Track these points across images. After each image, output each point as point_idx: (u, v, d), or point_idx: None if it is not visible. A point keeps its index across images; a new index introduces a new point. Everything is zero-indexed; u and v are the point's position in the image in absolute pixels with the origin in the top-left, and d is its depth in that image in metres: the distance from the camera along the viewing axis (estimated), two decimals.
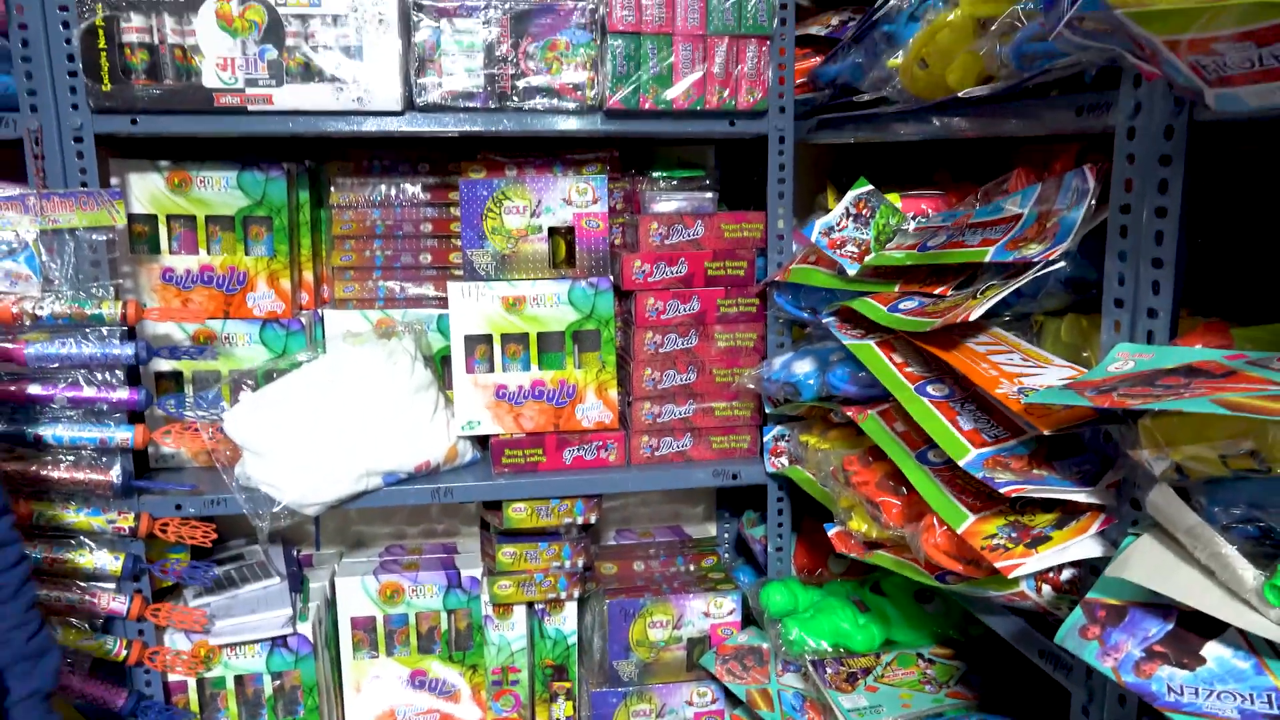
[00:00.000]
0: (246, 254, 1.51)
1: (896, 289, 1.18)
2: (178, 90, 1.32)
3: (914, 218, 1.31)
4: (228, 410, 1.42)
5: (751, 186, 1.57)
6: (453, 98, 1.37)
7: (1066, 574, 0.88)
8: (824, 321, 1.26)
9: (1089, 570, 0.86)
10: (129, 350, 1.34)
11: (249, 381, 1.47)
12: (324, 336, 1.56)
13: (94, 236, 1.34)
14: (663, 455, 1.57)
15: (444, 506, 1.85)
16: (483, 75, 1.37)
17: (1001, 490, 0.87)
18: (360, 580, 1.63)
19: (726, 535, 1.94)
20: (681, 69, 1.39)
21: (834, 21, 1.49)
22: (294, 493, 1.40)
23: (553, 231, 1.54)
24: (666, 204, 1.52)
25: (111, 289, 1.35)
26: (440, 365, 1.60)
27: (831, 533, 1.24)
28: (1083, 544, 0.86)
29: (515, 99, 1.38)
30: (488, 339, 1.51)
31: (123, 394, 1.35)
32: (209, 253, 1.50)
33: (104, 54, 1.30)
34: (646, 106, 1.39)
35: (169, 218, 1.48)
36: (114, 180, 1.44)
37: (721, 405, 1.57)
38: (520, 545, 1.57)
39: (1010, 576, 0.85)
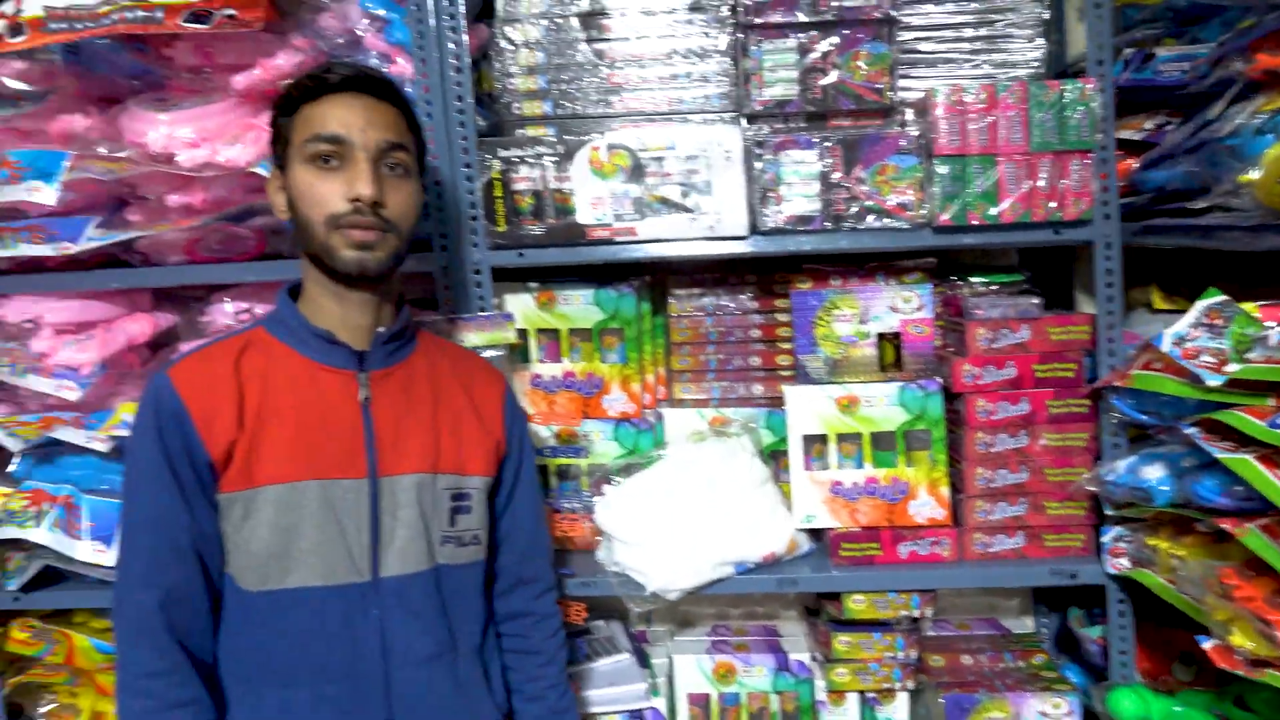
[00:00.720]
0: (602, 362, 1.69)
1: (1272, 402, 1.15)
2: (557, 228, 1.53)
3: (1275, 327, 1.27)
4: (599, 503, 1.60)
5: (1053, 284, 1.59)
6: (792, 221, 1.49)
7: None
8: (1186, 432, 1.24)
9: None
10: None
11: (616, 477, 1.63)
12: (664, 433, 1.71)
13: (490, 353, 1.56)
14: (996, 552, 1.58)
15: (764, 592, 1.94)
16: (819, 200, 1.48)
17: None
18: (696, 659, 1.75)
19: (1045, 630, 1.90)
20: (1007, 185, 1.44)
21: (1148, 125, 1.50)
22: (660, 579, 1.54)
23: (881, 337, 1.61)
24: (991, 309, 1.55)
25: None
26: (769, 459, 1.70)
27: (1208, 646, 1.20)
28: None
29: (850, 220, 1.48)
30: (823, 438, 1.60)
31: None
32: (570, 361, 1.70)
33: (499, 201, 1.53)
34: (974, 222, 1.44)
35: (538, 331, 1.70)
36: (494, 301, 1.68)
37: (1054, 504, 1.56)
38: (855, 634, 1.64)
39: None
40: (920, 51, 1.54)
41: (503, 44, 1.60)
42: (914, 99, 1.55)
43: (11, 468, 1.63)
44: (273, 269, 1.58)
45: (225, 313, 1.67)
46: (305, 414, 1.15)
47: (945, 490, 1.58)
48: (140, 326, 1.67)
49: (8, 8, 1.49)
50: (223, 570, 1.15)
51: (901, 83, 1.54)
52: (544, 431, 1.70)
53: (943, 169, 1.42)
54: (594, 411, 1.70)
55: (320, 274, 1.18)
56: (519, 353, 1.71)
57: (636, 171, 1.50)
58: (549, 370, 1.70)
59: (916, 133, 1.44)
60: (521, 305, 1.69)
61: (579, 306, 1.68)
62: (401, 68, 1.53)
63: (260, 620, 1.13)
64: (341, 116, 1.13)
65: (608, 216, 1.52)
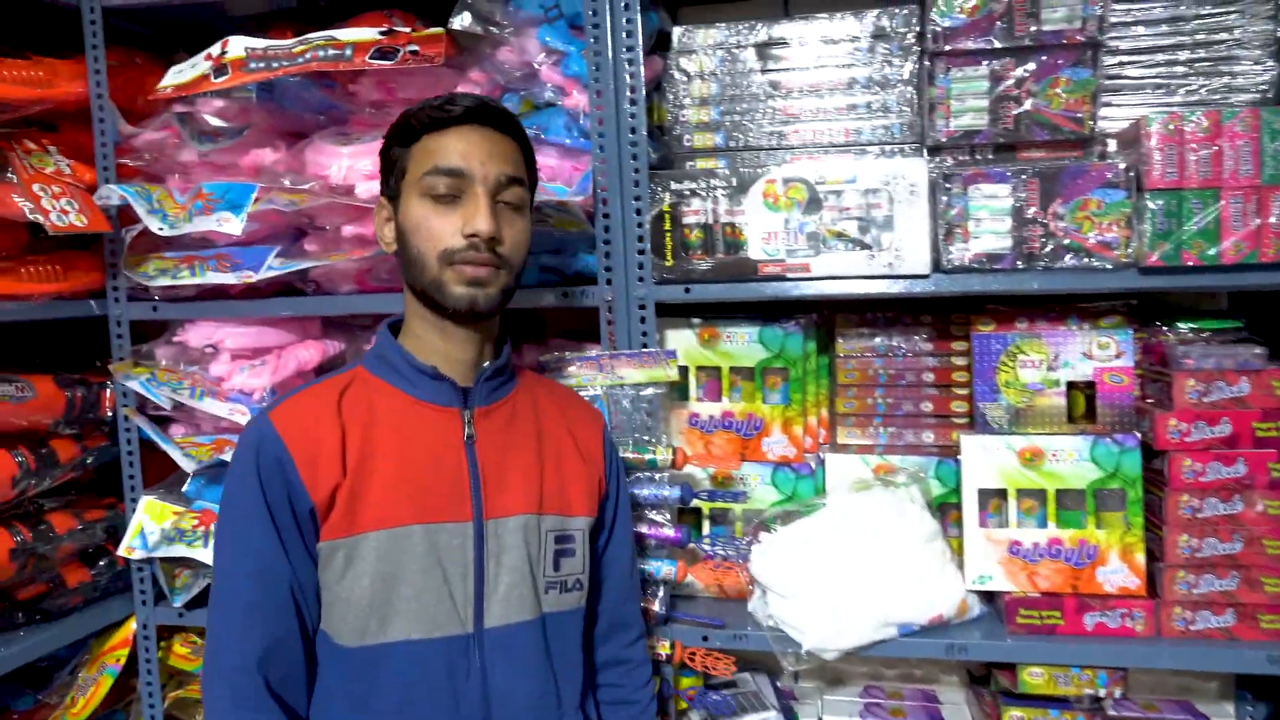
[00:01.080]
0: (764, 402, 1.63)
1: None
2: (727, 263, 1.49)
3: None
4: (755, 551, 1.53)
5: (1267, 331, 1.44)
6: (979, 259, 1.40)
7: None
8: None
9: None
10: (676, 492, 1.49)
11: (776, 524, 1.56)
12: (825, 480, 1.63)
13: (651, 390, 1.52)
14: (1199, 630, 1.42)
15: None
16: (1010, 238, 1.38)
17: None
18: None
19: None
20: (1230, 222, 1.31)
21: None
22: (816, 637, 1.46)
23: (1071, 385, 1.49)
24: (1203, 359, 1.41)
25: (663, 437, 1.52)
26: (937, 512, 1.60)
27: None
28: None
29: (1044, 259, 1.38)
30: (1001, 493, 1.49)
31: (669, 532, 1.50)
32: (730, 400, 1.65)
33: (669, 235, 1.50)
34: (1189, 262, 1.32)
35: (698, 368, 1.65)
36: (656, 337, 1.64)
37: (1272, 580, 1.39)
38: (1030, 710, 1.50)
39: None
40: (1126, 77, 1.43)
41: (676, 75, 1.58)
42: (1115, 129, 1.44)
43: (185, 487, 1.69)
44: None
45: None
46: (408, 454, 1.11)
47: (1140, 557, 1.44)
48: (310, 353, 1.72)
49: (214, 49, 1.58)
50: (318, 626, 1.11)
51: (1101, 111, 1.44)
52: (699, 473, 1.65)
53: (1155, 204, 1.31)
54: (752, 454, 1.64)
55: (426, 309, 1.15)
56: (677, 390, 1.67)
57: (813, 205, 1.45)
58: (707, 409, 1.65)
59: (1124, 165, 1.33)
60: (683, 341, 1.65)
61: (742, 344, 1.63)
62: (575, 100, 1.54)
63: (357, 676, 1.08)
64: (463, 149, 1.10)
65: (780, 252, 1.46)
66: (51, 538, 1.58)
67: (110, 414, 1.71)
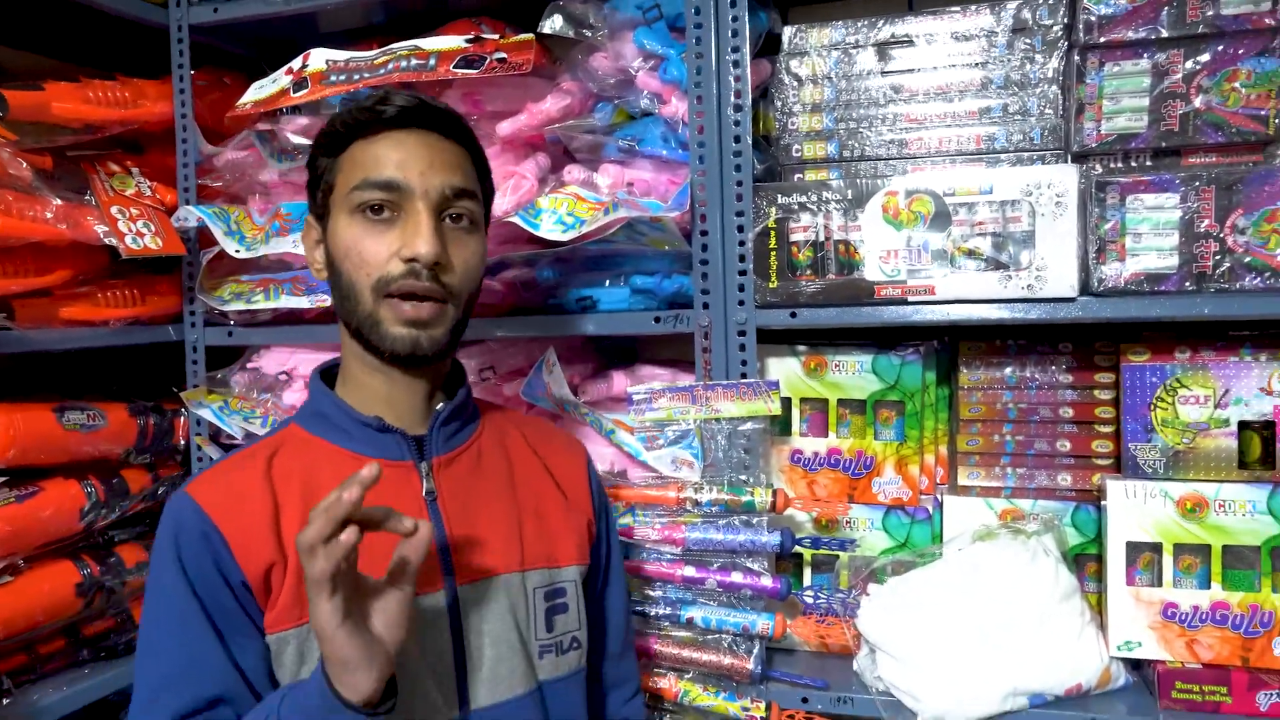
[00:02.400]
0: (875, 438, 1.47)
1: None
2: (839, 284, 1.34)
3: None
4: (864, 605, 1.37)
5: None
6: (1137, 280, 1.22)
7: None
8: None
9: None
10: (775, 539, 1.35)
11: (887, 574, 1.40)
12: (943, 526, 1.46)
13: (748, 425, 1.38)
14: None
15: None
16: (1176, 255, 1.20)
17: None
18: None
19: None
20: None
21: None
22: (934, 706, 1.29)
23: (1244, 425, 1.29)
24: None
25: (761, 477, 1.38)
26: (1073, 565, 1.41)
27: None
28: None
29: (1218, 280, 1.19)
30: (1156, 547, 1.30)
31: (767, 582, 1.35)
32: (837, 436, 1.49)
33: (774, 253, 1.36)
34: None
35: (801, 400, 1.50)
36: (756, 365, 1.50)
37: None
38: None
39: None
40: None
41: (786, 79, 1.44)
42: None
43: None
44: (525, 324, 1.49)
45: (469, 368, 1.59)
46: (359, 523, 0.93)
47: None
48: None
49: (295, 63, 1.51)
50: None
51: None
52: (801, 517, 1.50)
53: None
54: (861, 495, 1.48)
55: (364, 350, 0.97)
56: (778, 424, 1.52)
57: (940, 220, 1.29)
58: (812, 445, 1.50)
59: None
60: (786, 370, 1.50)
61: (853, 374, 1.47)
62: (674, 108, 1.41)
63: None
64: (399, 158, 0.93)
65: (901, 272, 1.31)
66: (121, 571, 1.52)
67: (183, 443, 1.65)
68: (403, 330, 0.93)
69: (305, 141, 1.59)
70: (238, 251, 1.54)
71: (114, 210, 1.48)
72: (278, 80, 1.51)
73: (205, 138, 1.64)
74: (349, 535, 0.75)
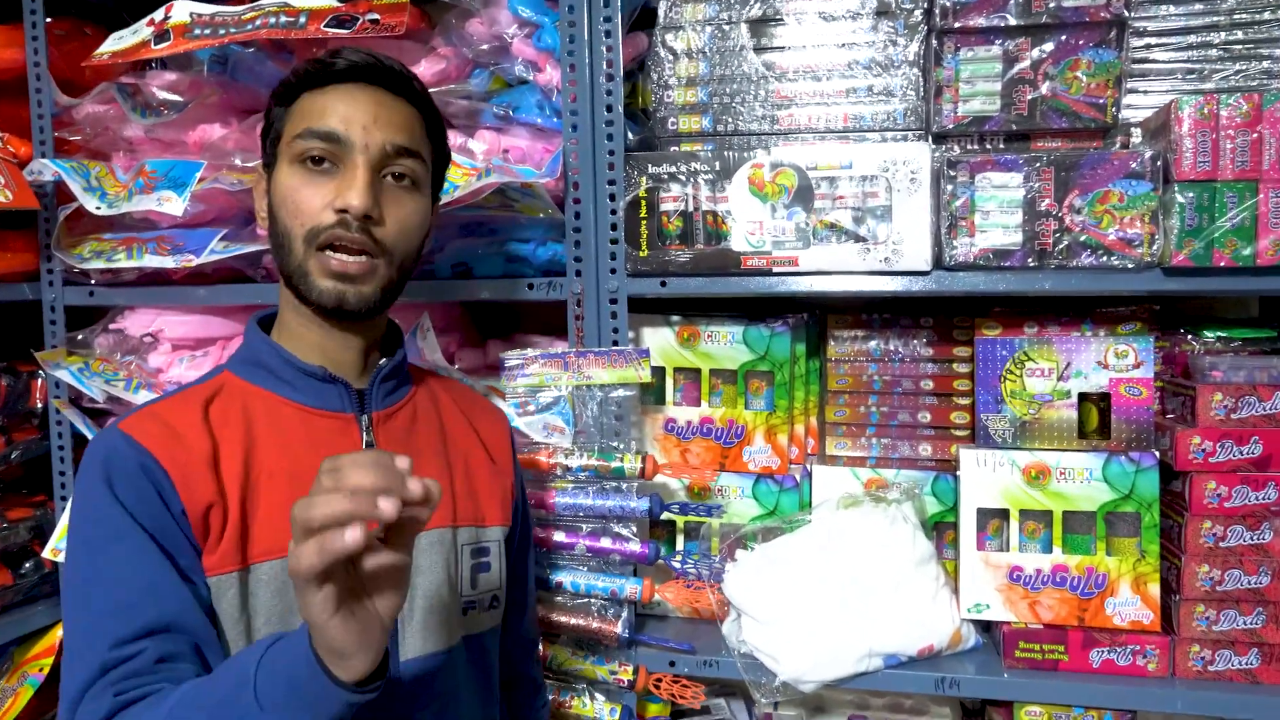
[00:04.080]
0: (746, 407, 1.50)
1: None
2: (707, 254, 1.36)
3: None
4: (729, 571, 1.40)
5: None
6: (984, 256, 1.27)
7: None
8: None
9: None
10: (644, 504, 1.37)
11: (754, 540, 1.43)
12: (811, 494, 1.50)
13: (620, 392, 1.39)
14: (1219, 671, 1.29)
15: None
16: (1020, 232, 1.25)
17: None
18: None
19: None
20: (1269, 220, 1.17)
21: None
22: (793, 667, 1.33)
23: (1083, 397, 1.36)
24: (1232, 372, 1.28)
25: (633, 443, 1.39)
26: (931, 532, 1.47)
27: None
28: None
29: (1058, 256, 1.24)
30: (1003, 513, 1.36)
31: (635, 547, 1.37)
32: (709, 405, 1.52)
33: (644, 222, 1.37)
34: (1221, 263, 1.19)
35: (675, 370, 1.52)
36: (630, 334, 1.51)
37: None
38: None
39: None
40: (1154, 61, 1.30)
41: (662, 53, 1.45)
42: (1139, 118, 1.31)
43: None
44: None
45: None
46: (299, 469, 0.92)
47: (1155, 588, 1.31)
48: None
49: (157, 14, 1.45)
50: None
51: (1125, 99, 1.31)
52: (674, 484, 1.52)
53: (1184, 197, 1.17)
54: (732, 464, 1.51)
55: (298, 301, 0.96)
56: (652, 393, 1.54)
57: (803, 194, 1.32)
58: (685, 414, 1.52)
59: (1152, 154, 1.20)
60: (660, 340, 1.52)
61: (725, 345, 1.50)
62: (549, 76, 1.41)
63: None
64: (344, 112, 0.92)
65: (766, 244, 1.33)
66: None
67: (40, 405, 1.58)
68: (330, 283, 0.92)
69: (173, 98, 1.54)
70: (98, 209, 1.48)
71: None
72: (139, 31, 1.46)
73: (65, 90, 1.57)
74: (354, 535, 0.65)
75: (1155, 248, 1.22)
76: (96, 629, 0.81)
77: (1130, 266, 1.22)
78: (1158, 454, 1.31)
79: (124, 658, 0.80)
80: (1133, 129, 1.33)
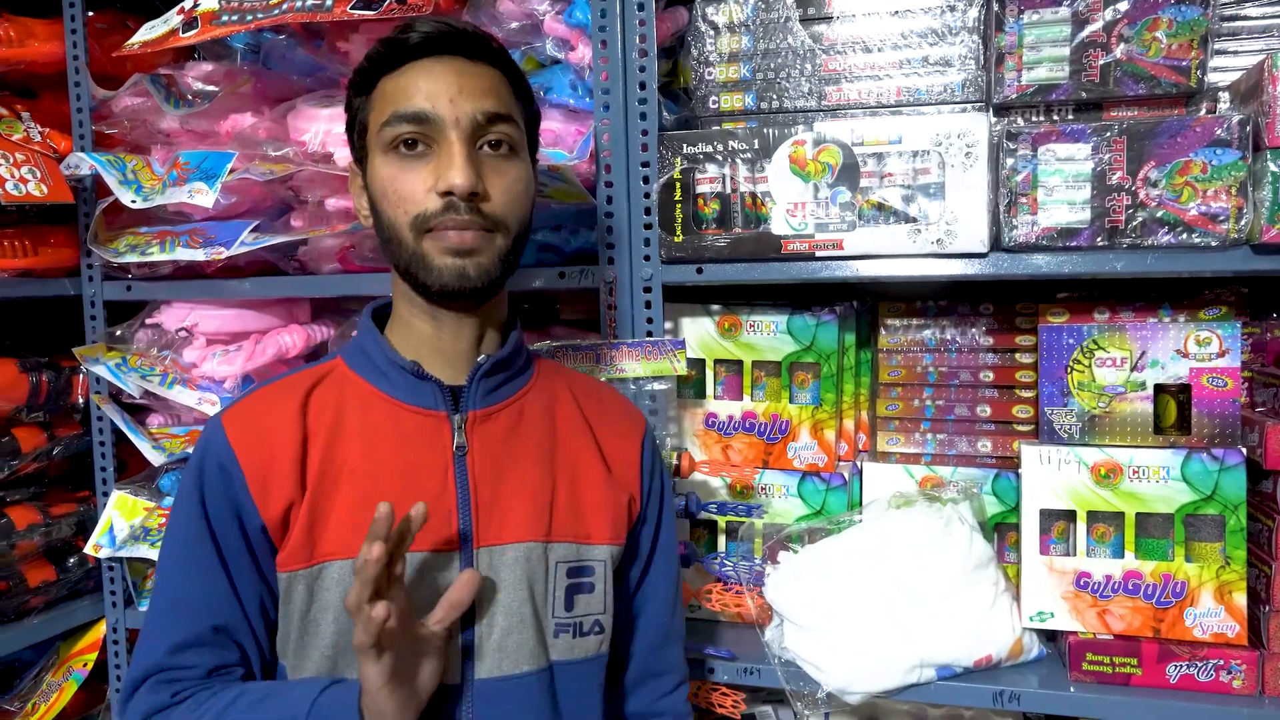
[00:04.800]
0: (791, 401, 1.42)
1: None
2: (745, 238, 1.28)
3: None
4: (770, 574, 1.32)
5: None
6: (1048, 236, 1.16)
7: None
8: None
9: None
10: (679, 504, 1.30)
11: (799, 542, 1.35)
12: (860, 493, 1.42)
13: (655, 386, 1.33)
14: None
15: None
16: (1088, 209, 1.15)
17: None
18: None
19: None
20: None
21: None
22: (839, 678, 1.25)
23: (1159, 389, 1.24)
24: None
25: (668, 440, 1.33)
26: (991, 534, 1.37)
27: None
28: None
29: (1131, 235, 1.13)
30: (1070, 515, 1.26)
31: None
32: (752, 399, 1.44)
33: (679, 206, 1.30)
34: None
35: (716, 362, 1.45)
36: (667, 324, 1.44)
37: None
38: None
39: None
40: (1245, 18, 1.18)
41: (702, 27, 1.37)
42: (1227, 82, 1.19)
43: (159, 481, 1.56)
44: None
45: None
46: (381, 468, 0.91)
47: (1241, 598, 1.19)
48: (293, 339, 1.56)
49: (186, 1, 1.43)
50: (270, 662, 0.95)
51: (1212, 62, 1.19)
52: (715, 482, 1.45)
53: (1277, 166, 1.05)
54: (776, 461, 1.43)
55: (413, 291, 0.93)
56: (693, 386, 1.47)
57: (848, 172, 1.23)
58: (726, 409, 1.44)
59: (1240, 118, 1.08)
60: (699, 331, 1.45)
61: (768, 335, 1.42)
62: (581, 54, 1.34)
63: None
64: (428, 88, 0.88)
65: (808, 226, 1.25)
66: (11, 533, 1.46)
67: (82, 401, 1.59)
68: (449, 260, 0.89)
69: (210, 88, 1.52)
70: (133, 201, 1.47)
71: None
72: (169, 20, 1.44)
73: (106, 84, 1.57)
74: (379, 611, 0.76)
75: (1243, 223, 1.09)
76: (163, 621, 0.92)
77: (1214, 244, 1.10)
78: (1244, 451, 1.19)
79: (181, 665, 0.90)
80: (1220, 94, 1.21)
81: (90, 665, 1.57)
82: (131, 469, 1.64)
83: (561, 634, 0.96)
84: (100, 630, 1.60)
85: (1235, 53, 1.21)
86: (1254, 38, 1.19)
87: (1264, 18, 1.18)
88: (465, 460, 0.94)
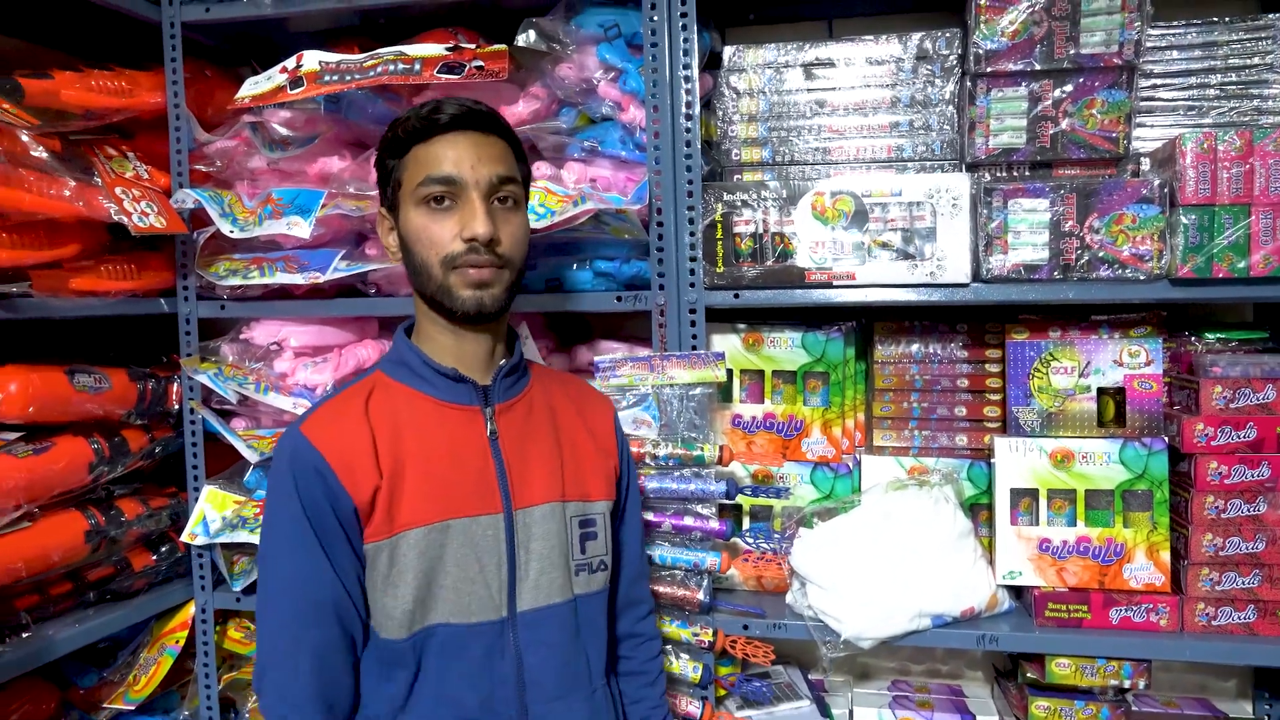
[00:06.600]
0: (804, 404, 1.71)
1: None
2: (775, 270, 1.57)
3: None
4: (796, 545, 1.60)
5: None
6: (1016, 270, 1.48)
7: None
8: None
9: None
10: (721, 487, 1.57)
11: (815, 520, 1.63)
12: (861, 480, 1.71)
13: (699, 391, 1.60)
14: (1221, 626, 1.50)
15: (948, 649, 1.89)
16: (1047, 249, 1.47)
17: None
18: (877, 713, 1.72)
19: (1267, 718, 1.77)
20: (1261, 237, 1.39)
21: None
22: (854, 627, 1.53)
23: (1101, 391, 1.57)
24: (1230, 367, 1.49)
25: (709, 435, 1.60)
26: (969, 512, 1.67)
27: None
28: None
29: (1079, 270, 1.46)
30: (1033, 493, 1.56)
31: (714, 524, 1.57)
32: (772, 402, 1.72)
33: (720, 243, 1.58)
34: (1219, 275, 1.40)
35: (741, 372, 1.73)
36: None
37: None
38: (1055, 700, 1.57)
39: None
40: (1159, 99, 1.52)
41: (726, 92, 1.67)
42: (1147, 149, 1.53)
43: (245, 478, 1.76)
44: None
45: None
46: (435, 454, 1.15)
47: (1166, 555, 1.51)
48: (367, 352, 1.79)
49: (289, 63, 1.66)
50: (366, 622, 1.16)
51: (1134, 132, 1.53)
52: (740, 471, 1.72)
53: (1188, 219, 1.39)
54: (793, 454, 1.71)
55: (436, 314, 1.18)
56: (721, 392, 1.74)
57: (859, 217, 1.53)
58: (750, 410, 1.73)
59: (1160, 181, 1.42)
60: (728, 346, 1.73)
61: (785, 349, 1.71)
62: (631, 115, 1.62)
63: (400, 662, 1.13)
64: (454, 156, 1.13)
65: (827, 261, 1.54)
66: (122, 522, 1.65)
67: (176, 407, 1.78)
68: (470, 293, 1.14)
69: (290, 133, 1.74)
70: (231, 232, 1.68)
71: (118, 191, 1.61)
72: (273, 78, 1.66)
73: None
74: None
75: (1163, 262, 1.43)
76: (281, 590, 1.13)
77: (1142, 278, 1.44)
78: (1167, 439, 1.52)
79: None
80: (1142, 158, 1.55)
81: (182, 642, 1.76)
82: (209, 469, 1.83)
83: (580, 572, 1.23)
84: (189, 610, 1.79)
85: (1152, 126, 1.55)
86: (1166, 114, 1.54)
87: (1173, 100, 1.54)
88: (498, 443, 1.19)
